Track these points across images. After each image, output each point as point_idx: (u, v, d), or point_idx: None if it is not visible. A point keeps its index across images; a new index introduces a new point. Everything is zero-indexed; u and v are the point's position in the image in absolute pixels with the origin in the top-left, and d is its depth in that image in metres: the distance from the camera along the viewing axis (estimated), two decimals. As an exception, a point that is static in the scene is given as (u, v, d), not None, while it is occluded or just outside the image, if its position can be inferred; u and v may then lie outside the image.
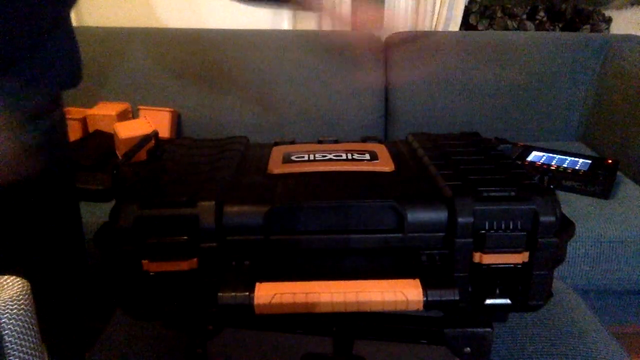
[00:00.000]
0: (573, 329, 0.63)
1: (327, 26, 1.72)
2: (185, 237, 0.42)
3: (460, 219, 0.42)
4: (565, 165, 1.23)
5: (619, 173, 1.27)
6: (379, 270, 0.45)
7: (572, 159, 1.27)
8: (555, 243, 0.42)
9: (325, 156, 0.53)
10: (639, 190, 1.20)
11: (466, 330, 0.49)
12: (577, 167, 1.21)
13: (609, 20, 1.80)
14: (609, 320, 1.18)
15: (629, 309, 1.18)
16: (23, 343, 0.63)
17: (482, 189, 0.44)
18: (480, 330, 0.49)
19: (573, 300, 0.71)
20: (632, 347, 1.27)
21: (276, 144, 0.60)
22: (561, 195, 1.18)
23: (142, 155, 1.22)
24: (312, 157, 0.53)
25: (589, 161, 1.25)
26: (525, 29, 1.80)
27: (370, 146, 0.57)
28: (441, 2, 1.76)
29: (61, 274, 0.60)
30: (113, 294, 0.45)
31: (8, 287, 0.64)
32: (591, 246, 1.05)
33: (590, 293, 1.13)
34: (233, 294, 0.40)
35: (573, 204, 1.13)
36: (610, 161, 1.24)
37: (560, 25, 1.81)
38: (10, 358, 0.62)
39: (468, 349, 0.49)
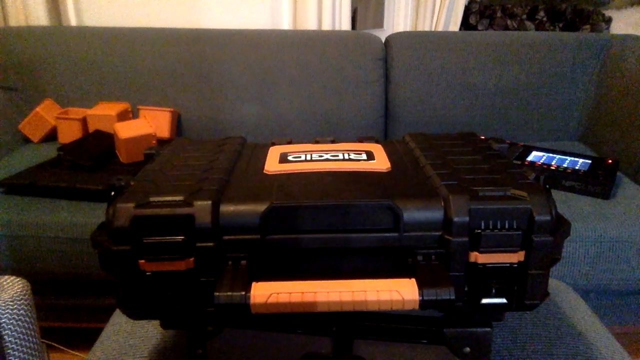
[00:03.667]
0: (573, 329, 0.63)
1: (327, 26, 1.72)
2: (182, 237, 0.42)
3: (455, 219, 0.42)
4: (565, 165, 1.23)
5: (619, 173, 1.27)
6: (375, 270, 0.45)
7: (572, 159, 1.27)
8: (550, 242, 0.42)
9: (321, 156, 0.54)
10: (639, 190, 1.20)
11: (466, 330, 0.49)
12: (577, 167, 1.21)
13: (609, 20, 1.79)
14: (609, 320, 1.18)
15: (629, 309, 1.17)
16: (23, 343, 0.64)
17: (477, 188, 0.44)
18: (479, 330, 0.49)
19: (573, 300, 0.71)
20: (632, 347, 1.27)
21: (273, 143, 0.60)
22: (561, 195, 1.18)
23: (140, 155, 1.23)
24: (308, 157, 0.53)
25: (589, 161, 1.25)
26: (525, 29, 1.81)
27: (367, 146, 0.57)
28: (441, 2, 1.76)
29: None
30: (112, 294, 0.45)
31: (8, 287, 0.64)
32: (591, 246, 1.05)
33: (590, 293, 1.13)
34: (229, 293, 0.40)
35: (573, 204, 1.12)
36: (610, 161, 1.24)
37: (560, 25, 1.81)
38: (10, 358, 0.62)
39: (468, 348, 0.50)
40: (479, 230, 0.43)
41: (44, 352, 0.69)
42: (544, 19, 1.80)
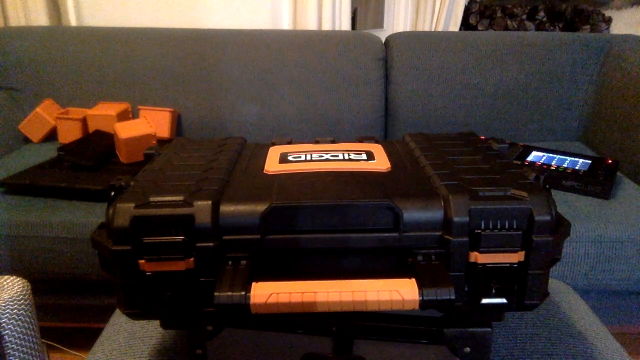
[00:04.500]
0: (573, 329, 0.63)
1: (327, 26, 1.72)
2: (182, 237, 0.42)
3: (455, 219, 0.42)
4: (565, 165, 1.23)
5: (619, 173, 1.27)
6: (375, 270, 0.45)
7: (572, 159, 1.27)
8: (550, 242, 0.42)
9: (321, 156, 0.54)
10: (639, 190, 1.20)
11: (466, 330, 0.49)
12: (577, 167, 1.21)
13: (609, 20, 1.80)
14: (609, 320, 1.18)
15: (629, 309, 1.17)
16: (23, 343, 0.64)
17: (477, 188, 0.44)
18: (479, 330, 0.49)
19: (573, 300, 0.71)
20: (632, 347, 1.27)
21: (273, 143, 0.60)
22: (561, 195, 1.18)
23: (140, 155, 1.23)
24: (308, 157, 0.53)
25: (589, 161, 1.25)
26: (525, 29, 1.81)
27: (367, 146, 0.57)
28: (441, 2, 1.76)
29: None
30: (112, 294, 0.46)
31: (8, 287, 0.64)
32: (591, 246, 1.05)
33: (590, 293, 1.13)
34: (229, 293, 0.40)
35: (573, 204, 1.12)
36: (610, 161, 1.24)
37: (560, 25, 1.82)
38: (10, 358, 0.62)
39: (468, 348, 0.50)
40: (479, 230, 0.43)
41: (44, 352, 0.69)
42: (544, 19, 1.80)
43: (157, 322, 0.55)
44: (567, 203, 1.13)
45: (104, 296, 1.16)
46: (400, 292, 0.40)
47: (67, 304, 1.19)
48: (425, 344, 0.51)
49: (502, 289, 0.44)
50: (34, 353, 0.66)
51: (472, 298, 0.45)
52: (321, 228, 0.44)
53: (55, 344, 1.24)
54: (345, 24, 1.75)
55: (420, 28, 1.82)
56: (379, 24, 1.88)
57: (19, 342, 0.63)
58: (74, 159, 1.21)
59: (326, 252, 0.45)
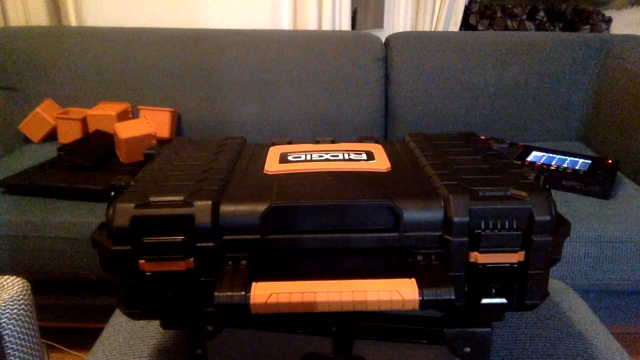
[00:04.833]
0: (573, 329, 0.63)
1: (327, 26, 1.72)
2: (182, 237, 0.42)
3: (455, 219, 0.42)
4: (565, 165, 1.23)
5: (619, 173, 1.27)
6: (375, 270, 0.45)
7: (572, 159, 1.27)
8: (550, 242, 0.42)
9: (321, 156, 0.54)
10: (639, 190, 1.20)
11: (466, 330, 0.49)
12: (577, 167, 1.21)
13: (609, 20, 1.80)
14: (609, 320, 1.18)
15: (629, 309, 1.17)
16: (23, 343, 0.64)
17: (477, 188, 0.44)
18: (479, 330, 0.49)
19: (573, 300, 0.71)
20: (632, 347, 1.27)
21: (273, 143, 0.60)
22: (561, 195, 1.18)
23: (140, 155, 1.23)
24: (308, 157, 0.53)
25: (589, 161, 1.25)
26: (525, 29, 1.81)
27: (367, 146, 0.57)
28: (441, 2, 1.76)
29: None
30: (112, 294, 0.46)
31: (8, 287, 0.64)
32: (591, 246, 1.05)
33: (590, 293, 1.13)
34: (229, 293, 0.40)
35: (573, 204, 1.12)
36: (610, 161, 1.24)
37: (560, 25, 1.82)
38: (11, 358, 0.62)
39: (468, 348, 0.50)
40: (479, 230, 0.43)
41: (44, 352, 0.69)
42: (544, 19, 1.80)
43: (157, 322, 0.55)
44: (567, 203, 1.13)
45: (104, 296, 1.16)
46: (400, 292, 0.40)
47: (67, 304, 1.19)
48: (425, 344, 0.51)
49: (502, 289, 0.44)
50: (34, 353, 0.66)
51: (472, 298, 0.45)
52: (321, 228, 0.44)
53: (55, 344, 1.24)
54: (345, 24, 1.75)
55: (420, 28, 1.82)
56: (379, 24, 1.88)
57: (19, 342, 0.63)
58: (74, 159, 1.21)
59: (326, 252, 0.45)
